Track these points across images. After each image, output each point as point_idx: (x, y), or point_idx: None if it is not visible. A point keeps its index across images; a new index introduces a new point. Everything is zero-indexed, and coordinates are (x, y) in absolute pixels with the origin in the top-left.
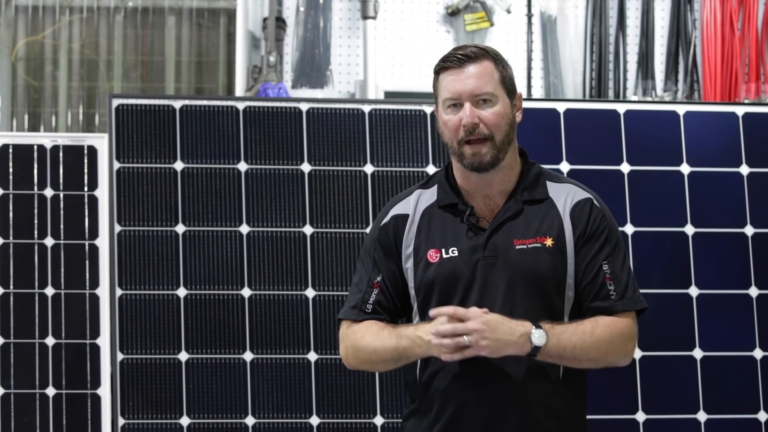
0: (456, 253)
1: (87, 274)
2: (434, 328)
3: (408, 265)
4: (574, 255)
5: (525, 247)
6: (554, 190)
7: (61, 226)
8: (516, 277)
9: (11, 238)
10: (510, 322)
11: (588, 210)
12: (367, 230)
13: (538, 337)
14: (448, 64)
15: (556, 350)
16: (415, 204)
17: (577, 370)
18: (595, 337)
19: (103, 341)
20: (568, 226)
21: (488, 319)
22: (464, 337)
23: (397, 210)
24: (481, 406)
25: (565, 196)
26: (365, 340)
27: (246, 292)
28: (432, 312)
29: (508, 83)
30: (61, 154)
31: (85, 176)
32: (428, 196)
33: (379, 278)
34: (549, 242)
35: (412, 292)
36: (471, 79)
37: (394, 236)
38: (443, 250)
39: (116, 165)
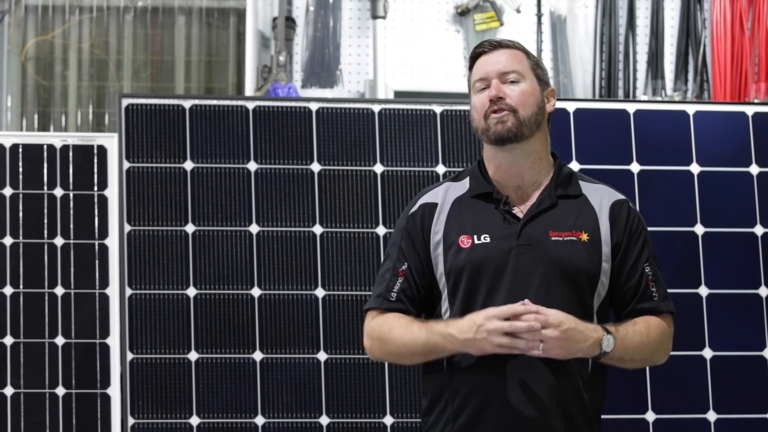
0: (488, 240)
1: (97, 274)
2: (508, 324)
3: (438, 252)
4: (611, 255)
5: (561, 239)
6: (588, 189)
7: (71, 226)
8: (551, 267)
9: (21, 237)
10: (585, 329)
11: (626, 212)
12: (377, 230)
13: (607, 344)
14: (480, 50)
15: (619, 353)
16: (444, 194)
17: (603, 369)
18: (650, 338)
19: (113, 341)
20: (604, 226)
21: (568, 329)
22: (540, 346)
23: (425, 199)
24: (509, 398)
25: (600, 196)
26: (393, 333)
27: (256, 291)
28: (505, 309)
29: (538, 72)
30: (70, 154)
31: (95, 176)
32: (459, 188)
33: (404, 267)
34: (584, 237)
35: (442, 279)
36: (501, 60)
37: (421, 224)
38: (475, 237)
39: (126, 164)
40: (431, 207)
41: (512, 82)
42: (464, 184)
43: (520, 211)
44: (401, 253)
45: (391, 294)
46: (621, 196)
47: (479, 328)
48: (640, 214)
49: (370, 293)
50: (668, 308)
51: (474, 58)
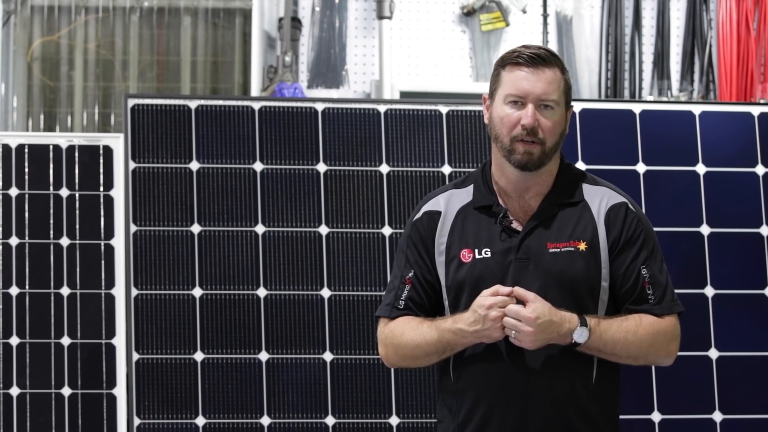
0: (489, 254)
1: (102, 274)
2: (506, 309)
3: (440, 261)
4: (609, 260)
5: (558, 250)
6: (589, 193)
7: (77, 226)
8: (549, 280)
9: (27, 237)
10: (560, 320)
11: (623, 215)
12: (383, 230)
13: (579, 335)
14: (521, 60)
15: (596, 345)
16: (446, 202)
17: (610, 373)
18: (638, 336)
19: (119, 341)
20: (602, 231)
21: (541, 323)
22: (512, 332)
23: (429, 207)
24: (511, 409)
25: (599, 200)
26: (405, 336)
27: (261, 292)
28: (486, 292)
29: (567, 94)
30: (76, 154)
31: (101, 176)
32: (462, 195)
33: (410, 274)
34: (582, 246)
35: (443, 290)
36: (541, 83)
37: (426, 232)
38: (476, 251)
39: (132, 165)
40: (435, 215)
41: (546, 107)
42: (468, 192)
43: (520, 223)
44: (407, 261)
45: (399, 302)
46: (621, 199)
47: (485, 319)
48: (641, 215)
49: (377, 293)
50: (665, 311)
51: (509, 64)
